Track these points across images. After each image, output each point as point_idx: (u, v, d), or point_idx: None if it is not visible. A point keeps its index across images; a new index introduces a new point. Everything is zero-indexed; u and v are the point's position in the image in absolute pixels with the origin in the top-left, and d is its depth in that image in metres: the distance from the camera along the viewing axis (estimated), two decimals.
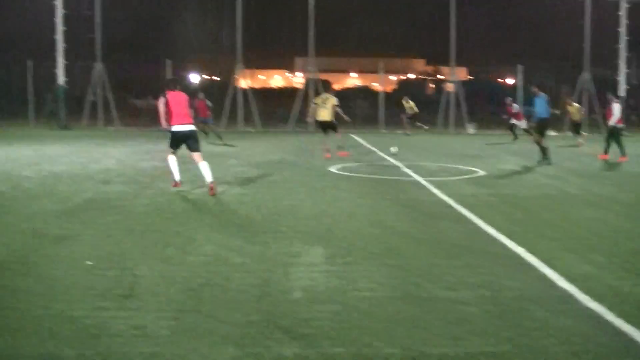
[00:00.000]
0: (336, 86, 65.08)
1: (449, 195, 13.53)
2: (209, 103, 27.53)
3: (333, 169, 18.03)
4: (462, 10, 39.96)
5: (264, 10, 50.53)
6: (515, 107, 31.59)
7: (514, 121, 31.06)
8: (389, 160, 20.24)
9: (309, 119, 24.08)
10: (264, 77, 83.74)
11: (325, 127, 22.29)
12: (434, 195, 13.82)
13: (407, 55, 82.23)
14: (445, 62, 42.47)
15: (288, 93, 50.10)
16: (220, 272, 7.69)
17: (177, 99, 13.91)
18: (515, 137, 30.89)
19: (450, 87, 41.20)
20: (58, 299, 6.69)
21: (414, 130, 36.28)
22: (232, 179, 16.08)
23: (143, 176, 16.40)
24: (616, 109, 21.85)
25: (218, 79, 65.00)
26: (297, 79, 72.16)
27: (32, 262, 8.15)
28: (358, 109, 40.94)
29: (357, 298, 6.80)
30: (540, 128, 20.75)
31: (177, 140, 14.03)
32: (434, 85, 78.88)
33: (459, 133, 36.95)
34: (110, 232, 9.87)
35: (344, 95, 50.12)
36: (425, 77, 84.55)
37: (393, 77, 77.08)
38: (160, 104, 13.87)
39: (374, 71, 40.78)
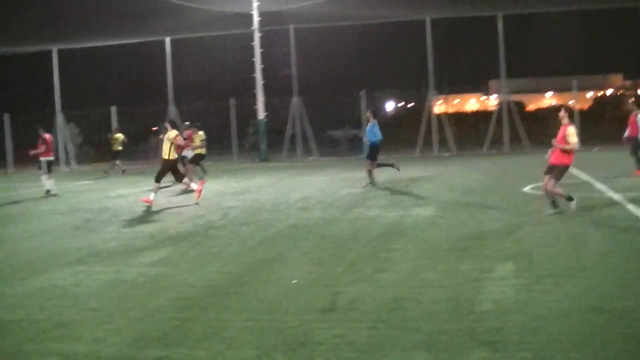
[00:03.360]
0: (531, 106, 64.16)
1: None
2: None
3: (527, 189, 18.04)
4: None
5: (456, 36, 50.85)
6: None
7: None
8: (579, 178, 19.91)
9: None
10: (457, 101, 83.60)
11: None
12: (627, 210, 13.63)
13: (604, 71, 79.79)
14: None
15: (482, 116, 49.79)
16: (415, 287, 8.16)
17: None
18: None
19: None
20: (267, 312, 7.39)
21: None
22: (430, 201, 16.51)
23: (341, 202, 17.10)
24: None
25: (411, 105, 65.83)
26: (492, 102, 71.62)
27: (244, 282, 8.95)
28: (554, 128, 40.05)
29: (545, 309, 7.04)
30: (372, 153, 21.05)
31: None
32: (632, 100, 75.75)
33: None
34: (311, 255, 10.58)
35: (539, 116, 49.23)
36: (624, 91, 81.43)
37: (589, 94, 74.85)
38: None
39: (570, 89, 39.67)
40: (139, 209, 17.53)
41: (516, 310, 7.05)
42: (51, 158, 22.97)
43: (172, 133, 18.35)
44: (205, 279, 9.28)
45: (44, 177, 22.41)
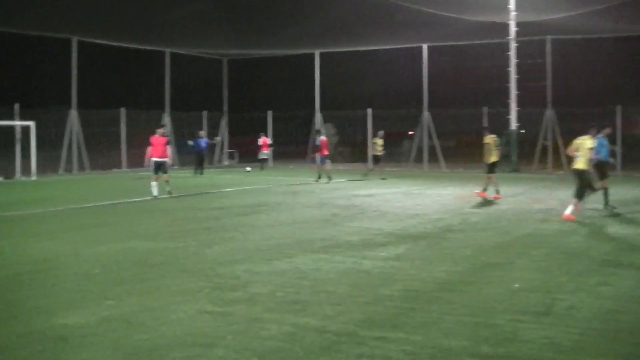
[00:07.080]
0: None
1: None
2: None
3: None
4: None
5: None
6: None
7: None
8: None
9: None
10: None
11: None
12: None
13: None
14: None
15: None
16: (636, 303, 8.36)
17: (157, 141, 22.74)
18: None
19: None
20: (485, 310, 7.94)
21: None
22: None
23: (581, 217, 17.00)
24: None
25: None
26: None
27: (470, 281, 9.55)
28: None
29: None
30: None
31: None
32: None
33: None
34: (540, 263, 10.93)
35: None
36: None
37: None
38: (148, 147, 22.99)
39: None
40: (384, 209, 18.50)
41: None
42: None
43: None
44: (435, 276, 9.95)
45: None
